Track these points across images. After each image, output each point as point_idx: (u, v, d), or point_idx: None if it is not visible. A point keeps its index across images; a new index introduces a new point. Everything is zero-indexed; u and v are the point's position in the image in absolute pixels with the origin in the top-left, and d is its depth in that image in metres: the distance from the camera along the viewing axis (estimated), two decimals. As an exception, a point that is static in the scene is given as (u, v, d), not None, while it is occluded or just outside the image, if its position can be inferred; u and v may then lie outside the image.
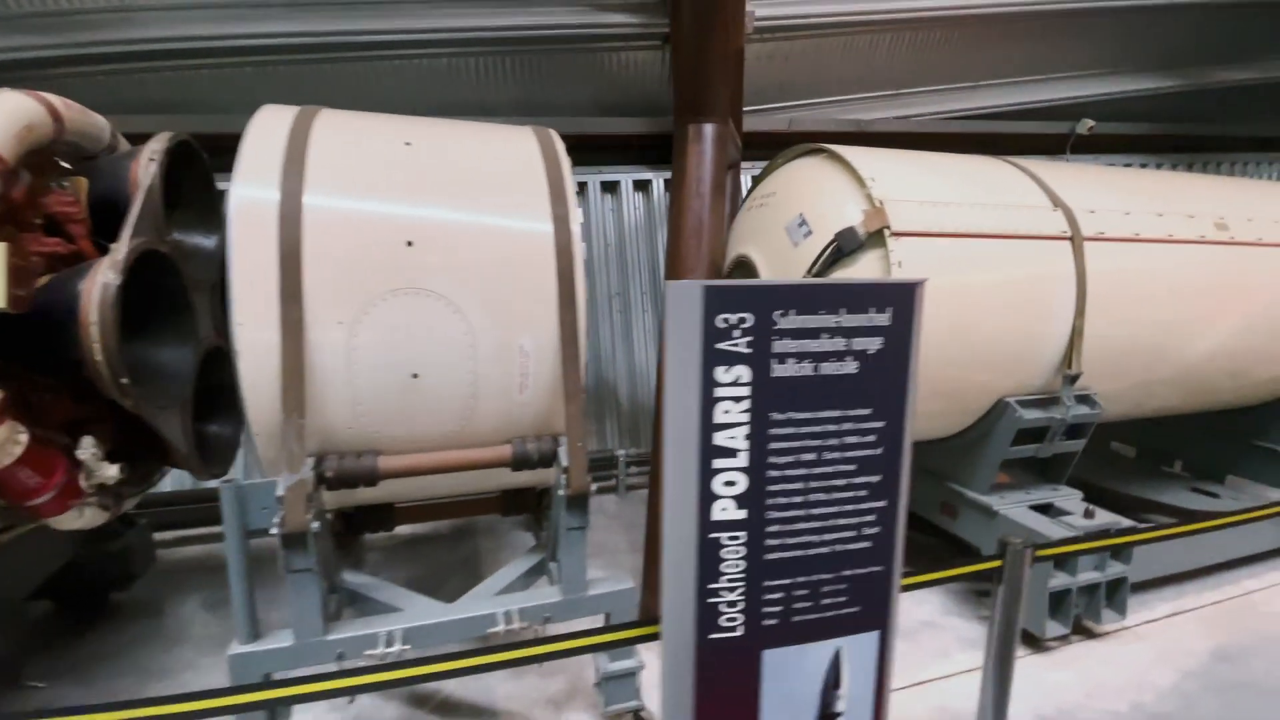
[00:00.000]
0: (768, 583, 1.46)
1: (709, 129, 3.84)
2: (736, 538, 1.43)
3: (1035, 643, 3.28)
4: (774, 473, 1.38)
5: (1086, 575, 3.21)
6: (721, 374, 1.30)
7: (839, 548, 1.46)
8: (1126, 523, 3.30)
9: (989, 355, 3.18)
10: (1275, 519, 3.98)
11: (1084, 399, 3.43)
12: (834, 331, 1.35)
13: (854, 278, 2.96)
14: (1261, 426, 4.60)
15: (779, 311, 1.30)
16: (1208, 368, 3.71)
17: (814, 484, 1.42)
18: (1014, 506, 3.42)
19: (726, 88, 3.72)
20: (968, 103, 7.23)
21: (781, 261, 3.29)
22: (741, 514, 1.43)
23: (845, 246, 2.96)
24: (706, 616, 1.41)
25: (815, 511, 1.44)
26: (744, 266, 3.61)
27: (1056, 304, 3.19)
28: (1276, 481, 4.54)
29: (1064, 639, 3.35)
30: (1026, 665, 3.21)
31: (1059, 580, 3.16)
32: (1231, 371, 3.83)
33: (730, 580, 1.41)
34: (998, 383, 3.28)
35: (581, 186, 5.85)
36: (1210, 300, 3.56)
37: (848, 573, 1.45)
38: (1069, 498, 3.53)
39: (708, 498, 1.40)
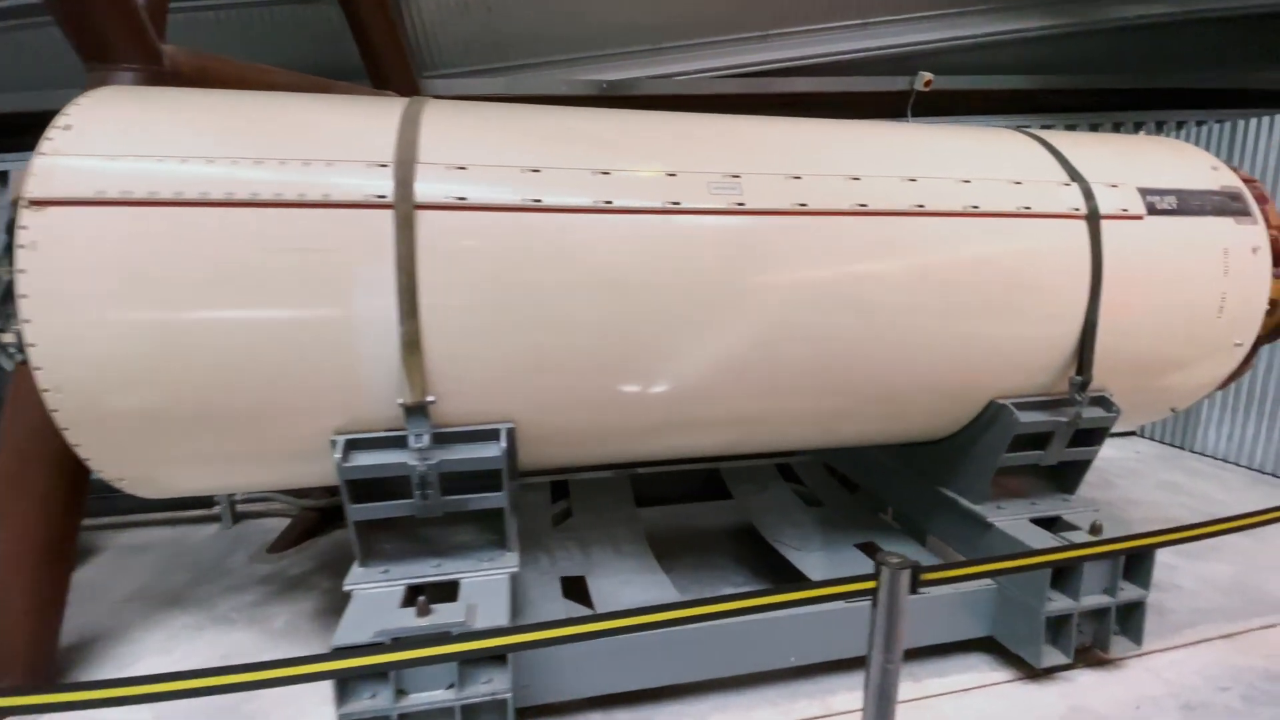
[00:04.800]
0: None
1: (127, 80, 3.01)
2: None
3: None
4: None
5: (425, 696, 2.21)
6: None
7: None
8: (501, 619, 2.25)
9: (294, 376, 2.22)
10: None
11: (481, 435, 2.40)
12: None
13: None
14: (947, 469, 3.35)
15: None
16: (711, 394, 2.58)
17: None
18: (381, 587, 2.44)
19: (131, 21, 2.88)
20: (757, 56, 6.00)
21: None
22: None
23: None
24: None
25: None
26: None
27: (370, 303, 2.19)
28: (965, 545, 3.28)
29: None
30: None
31: (363, 706, 2.18)
32: (757, 409, 2.68)
33: None
34: (324, 416, 2.31)
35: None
36: (689, 298, 2.43)
37: None
38: (490, 572, 2.51)
39: None
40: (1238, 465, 5.76)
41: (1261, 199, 3.30)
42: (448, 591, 2.48)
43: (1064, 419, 2.93)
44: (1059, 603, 2.82)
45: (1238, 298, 3.03)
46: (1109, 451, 6.46)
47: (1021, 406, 2.90)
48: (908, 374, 2.70)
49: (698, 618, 1.93)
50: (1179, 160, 3.18)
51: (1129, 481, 5.45)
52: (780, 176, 2.54)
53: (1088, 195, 2.84)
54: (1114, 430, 3.19)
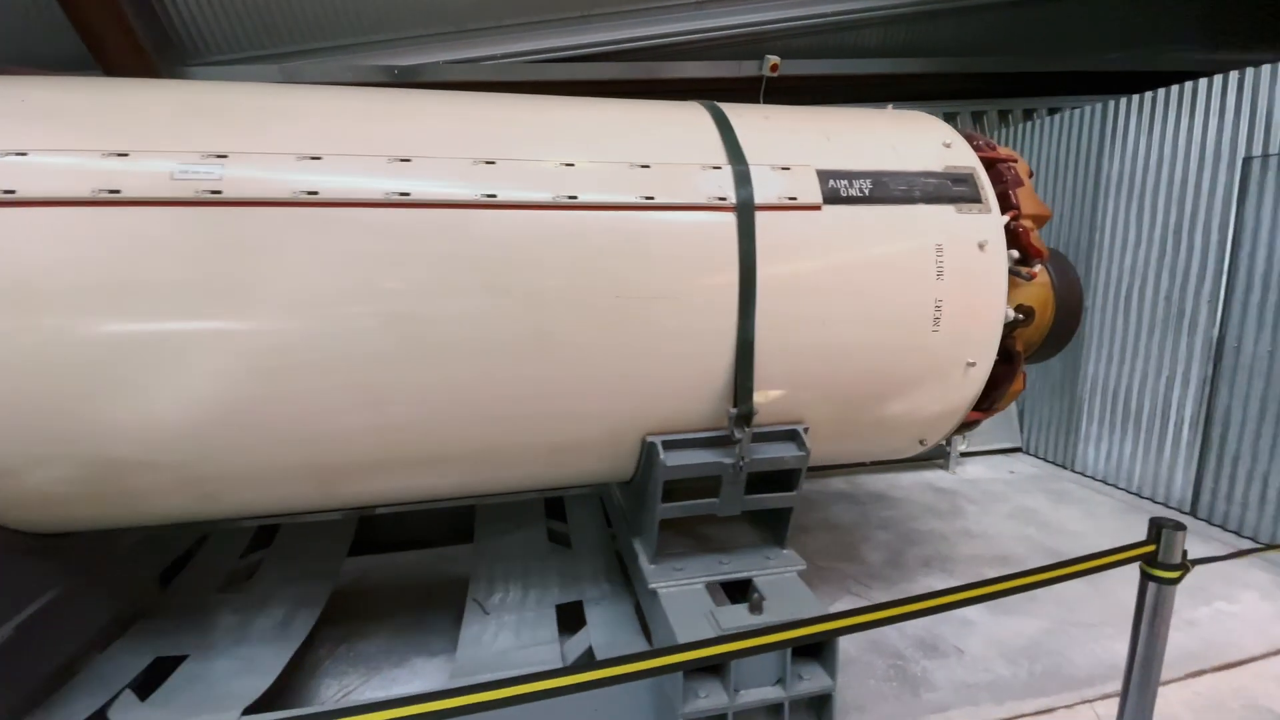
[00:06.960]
0: None
1: None
2: None
3: None
4: None
5: None
6: None
7: None
8: None
9: None
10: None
11: None
12: None
13: None
14: (637, 516, 2.74)
15: None
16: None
17: None
18: None
19: None
20: (578, 39, 5.41)
21: None
22: None
23: None
24: None
25: None
26: None
27: None
28: (647, 608, 2.66)
29: None
30: None
31: None
32: (301, 454, 2.09)
33: None
34: None
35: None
36: (137, 312, 1.86)
37: None
38: None
39: None
40: (1115, 487, 5.11)
41: (1016, 181, 2.69)
42: None
43: (729, 460, 2.33)
44: (710, 699, 2.22)
45: (960, 305, 2.42)
46: (979, 471, 5.78)
47: (671, 445, 2.31)
48: (470, 407, 2.10)
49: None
50: (899, 137, 2.56)
51: (982, 507, 4.80)
52: (289, 157, 1.96)
53: (741, 181, 2.24)
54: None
